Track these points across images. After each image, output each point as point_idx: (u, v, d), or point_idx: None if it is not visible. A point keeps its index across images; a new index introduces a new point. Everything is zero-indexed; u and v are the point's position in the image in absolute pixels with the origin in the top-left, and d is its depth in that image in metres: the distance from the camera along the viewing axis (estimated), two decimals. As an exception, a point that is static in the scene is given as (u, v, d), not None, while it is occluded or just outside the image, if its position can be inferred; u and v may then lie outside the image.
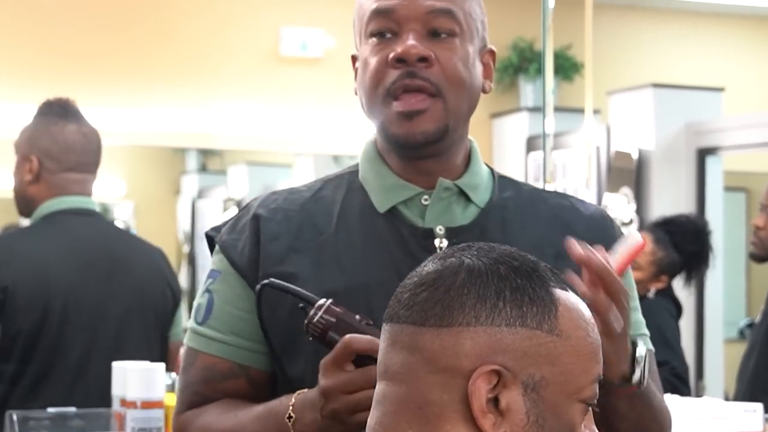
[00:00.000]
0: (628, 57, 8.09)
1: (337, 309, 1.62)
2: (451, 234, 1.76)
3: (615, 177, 6.84)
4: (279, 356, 1.75)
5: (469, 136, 1.84)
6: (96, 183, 3.31)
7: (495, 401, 1.24)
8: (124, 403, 2.58)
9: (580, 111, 4.77)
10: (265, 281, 1.68)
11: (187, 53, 7.22)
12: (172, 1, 7.22)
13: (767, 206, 4.01)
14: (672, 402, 3.09)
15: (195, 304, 1.83)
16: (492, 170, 1.87)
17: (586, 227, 1.82)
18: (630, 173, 6.76)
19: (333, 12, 7.33)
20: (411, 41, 1.71)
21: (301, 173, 7.81)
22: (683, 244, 4.61)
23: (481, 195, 1.81)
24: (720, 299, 6.74)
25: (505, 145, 7.50)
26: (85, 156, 3.23)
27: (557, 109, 4.05)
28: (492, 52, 1.83)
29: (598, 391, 1.29)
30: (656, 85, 6.85)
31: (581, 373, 1.27)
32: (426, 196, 1.77)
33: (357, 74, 1.81)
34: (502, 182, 1.86)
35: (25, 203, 3.24)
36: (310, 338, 1.63)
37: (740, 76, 8.24)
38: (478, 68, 1.78)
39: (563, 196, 1.91)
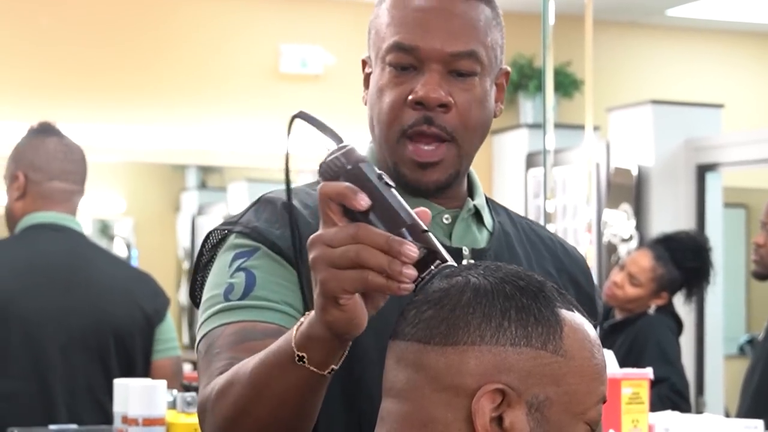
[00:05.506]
0: (628, 74, 8.10)
1: (358, 156, 1.42)
2: (475, 256, 1.74)
3: (615, 193, 6.84)
4: None
5: None
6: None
7: (499, 420, 1.24)
8: (125, 420, 2.58)
9: (580, 127, 4.77)
10: (295, 113, 1.51)
11: (187, 70, 7.23)
12: (172, 19, 7.23)
13: (767, 224, 4.01)
14: (672, 418, 3.09)
15: (219, 288, 1.66)
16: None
17: (570, 261, 1.86)
18: (630, 189, 6.77)
19: (332, 29, 7.34)
20: (431, 84, 1.69)
21: (301, 190, 7.81)
22: (683, 260, 4.62)
23: (488, 218, 1.82)
24: (720, 315, 6.74)
25: (504, 162, 7.50)
26: (69, 164, 3.24)
27: (557, 126, 4.05)
28: (507, 73, 1.81)
29: (602, 412, 1.29)
30: (656, 102, 6.86)
31: (586, 394, 1.27)
32: (447, 215, 1.77)
33: (367, 83, 1.79)
34: (493, 205, 1.86)
35: (10, 220, 3.27)
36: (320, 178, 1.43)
37: (739, 92, 8.25)
38: (493, 94, 1.77)
39: (542, 227, 1.93)
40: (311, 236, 1.37)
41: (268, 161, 7.39)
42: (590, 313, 1.79)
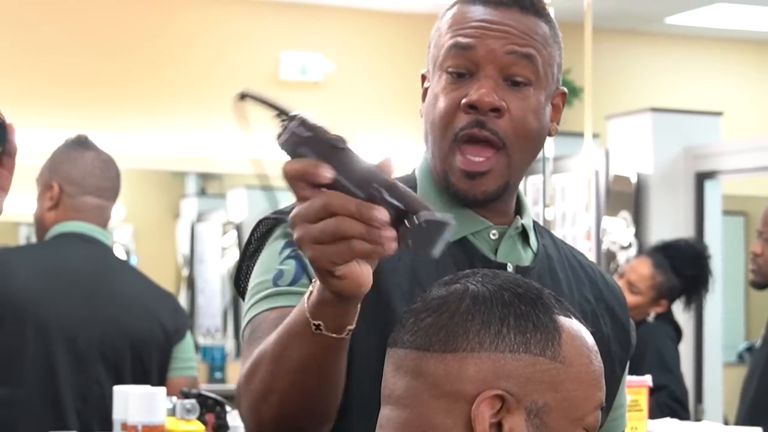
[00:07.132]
0: (627, 81, 8.11)
1: (313, 124, 1.43)
2: (519, 273, 1.72)
3: (614, 201, 6.85)
4: None
5: None
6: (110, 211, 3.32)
7: (498, 426, 1.24)
8: (125, 427, 2.58)
9: (579, 135, 4.78)
10: (241, 91, 1.49)
11: (187, 77, 7.24)
12: (172, 26, 7.24)
13: (764, 233, 4.02)
14: (671, 426, 3.09)
15: (269, 275, 1.67)
16: None
17: (608, 291, 1.86)
18: (629, 197, 6.77)
19: (332, 36, 7.35)
20: (485, 88, 1.69)
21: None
22: (682, 268, 4.62)
23: (533, 239, 1.82)
24: (719, 323, 6.74)
25: (504, 169, 7.50)
26: (104, 181, 3.26)
27: (556, 133, 4.06)
28: (563, 94, 1.81)
29: (600, 417, 1.29)
30: (655, 110, 6.86)
31: (584, 400, 1.28)
32: (494, 231, 1.77)
33: (424, 97, 1.79)
34: (539, 228, 1.87)
35: (40, 228, 3.27)
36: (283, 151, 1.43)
37: (738, 100, 8.26)
38: (548, 112, 1.77)
39: (584, 255, 1.93)
40: (290, 215, 1.38)
41: (267, 168, 7.39)
42: (624, 343, 1.81)
